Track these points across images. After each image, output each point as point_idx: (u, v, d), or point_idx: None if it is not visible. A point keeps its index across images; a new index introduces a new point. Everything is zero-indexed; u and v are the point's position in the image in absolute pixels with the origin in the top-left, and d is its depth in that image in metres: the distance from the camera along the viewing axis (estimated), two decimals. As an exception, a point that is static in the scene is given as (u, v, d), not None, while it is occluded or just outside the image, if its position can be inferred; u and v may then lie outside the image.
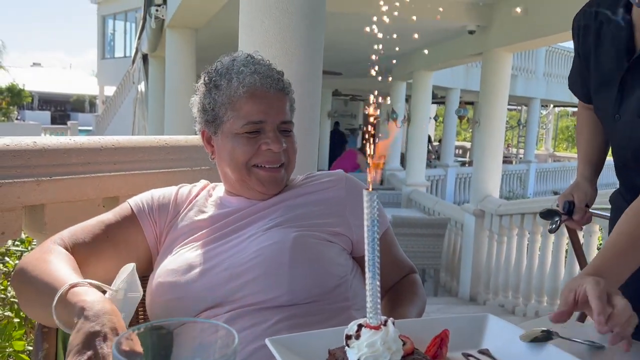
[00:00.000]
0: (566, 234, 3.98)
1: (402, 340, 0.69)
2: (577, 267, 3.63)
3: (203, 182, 1.29)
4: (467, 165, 13.32)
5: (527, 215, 4.28)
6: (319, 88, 1.90)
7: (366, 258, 0.66)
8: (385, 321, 0.68)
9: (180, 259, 1.07)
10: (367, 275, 0.66)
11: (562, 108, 21.46)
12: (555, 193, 13.50)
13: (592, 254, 3.58)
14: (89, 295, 0.85)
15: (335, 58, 8.34)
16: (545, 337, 0.76)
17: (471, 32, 5.83)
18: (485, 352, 0.77)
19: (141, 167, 1.55)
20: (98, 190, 1.44)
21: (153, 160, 1.59)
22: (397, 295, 1.18)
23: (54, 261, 0.97)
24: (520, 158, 14.97)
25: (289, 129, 1.17)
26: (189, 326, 0.62)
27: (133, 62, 11.96)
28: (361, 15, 4.93)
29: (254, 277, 1.01)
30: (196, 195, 1.22)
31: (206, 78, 1.19)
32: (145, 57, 8.52)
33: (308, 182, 1.22)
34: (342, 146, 14.75)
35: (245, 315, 0.99)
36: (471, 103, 15.03)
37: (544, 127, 18.88)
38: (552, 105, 17.01)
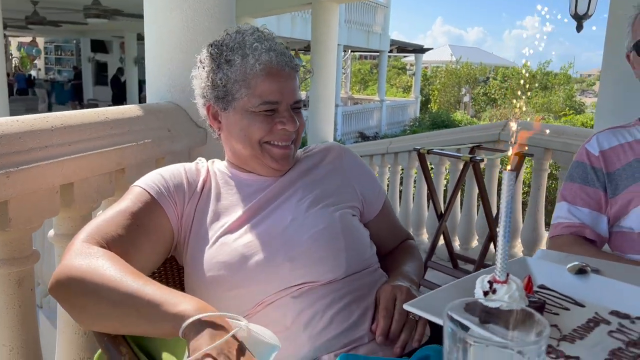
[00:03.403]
0: (413, 173, 4.54)
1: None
2: (425, 196, 4.20)
3: (202, 159, 1.26)
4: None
5: (376, 156, 4.74)
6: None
7: (501, 225, 0.79)
8: (508, 275, 0.82)
9: (229, 249, 1.06)
10: (500, 239, 0.80)
11: (353, 53, 23.18)
12: (361, 133, 14.81)
13: (440, 187, 4.15)
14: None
15: None
16: (584, 269, 0.99)
17: (300, -18, 5.97)
18: (544, 287, 0.97)
19: (92, 146, 1.41)
20: (61, 176, 1.28)
21: (100, 137, 1.45)
22: (396, 257, 1.31)
23: (118, 267, 0.89)
24: (327, 101, 15.94)
25: (299, 107, 1.20)
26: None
27: None
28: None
29: (314, 261, 1.07)
30: (207, 174, 1.20)
31: (215, 52, 1.15)
32: None
33: (308, 156, 1.28)
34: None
35: (307, 294, 1.05)
36: (293, 49, 15.36)
37: (344, 71, 20.25)
38: (350, 51, 18.26)
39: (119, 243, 0.99)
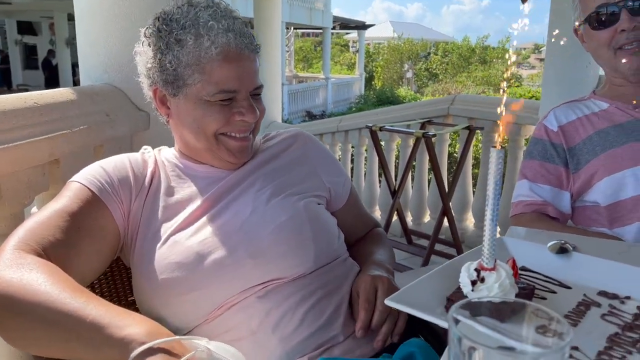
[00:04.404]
0: (364, 150, 4.49)
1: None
2: (376, 173, 4.17)
3: (148, 148, 1.13)
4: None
5: (326, 134, 4.67)
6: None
7: (489, 207, 0.72)
8: (495, 261, 0.76)
9: (182, 248, 0.95)
10: (488, 223, 0.73)
11: (295, 30, 22.88)
12: (308, 112, 14.68)
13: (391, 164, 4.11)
14: None
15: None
16: (565, 247, 0.95)
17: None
18: (526, 269, 0.92)
19: (19, 136, 1.25)
20: (-16, 171, 1.13)
21: (29, 125, 1.29)
22: (367, 246, 1.23)
23: (55, 282, 0.77)
24: (271, 80, 15.67)
25: (259, 92, 1.08)
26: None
27: None
28: None
29: (279, 256, 0.97)
30: (155, 166, 1.07)
31: (163, 28, 1.00)
32: None
33: (269, 145, 1.18)
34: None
35: (274, 292, 0.96)
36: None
37: (287, 49, 19.95)
38: (292, 28, 17.98)
39: (57, 248, 0.86)
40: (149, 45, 1.02)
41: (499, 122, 0.70)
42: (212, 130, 1.03)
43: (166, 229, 0.98)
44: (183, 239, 0.96)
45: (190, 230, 0.98)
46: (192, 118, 1.03)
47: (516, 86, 20.01)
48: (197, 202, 1.02)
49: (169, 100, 1.05)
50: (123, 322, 0.72)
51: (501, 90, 0.71)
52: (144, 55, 1.04)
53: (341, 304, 0.99)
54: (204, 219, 1.00)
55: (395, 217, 3.86)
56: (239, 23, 1.02)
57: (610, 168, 1.35)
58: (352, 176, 4.57)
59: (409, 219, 4.15)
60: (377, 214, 4.30)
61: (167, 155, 1.11)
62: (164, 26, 1.00)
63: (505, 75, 0.71)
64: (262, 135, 1.21)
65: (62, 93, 1.48)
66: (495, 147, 0.70)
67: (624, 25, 1.34)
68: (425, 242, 3.67)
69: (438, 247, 3.51)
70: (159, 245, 0.96)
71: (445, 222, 3.55)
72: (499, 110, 0.70)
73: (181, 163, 1.09)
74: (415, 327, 1.03)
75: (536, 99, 5.20)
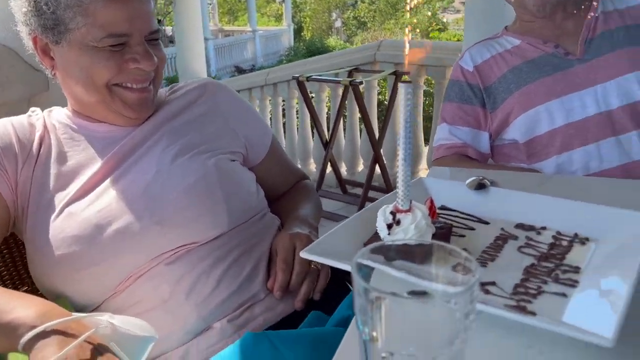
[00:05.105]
0: (295, 103, 4.40)
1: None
2: (309, 126, 4.12)
3: (36, 110, 1.02)
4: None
5: (255, 88, 4.54)
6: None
7: (401, 147, 0.69)
8: (411, 202, 0.73)
9: (79, 220, 0.86)
10: (401, 164, 0.70)
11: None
12: (237, 67, 14.27)
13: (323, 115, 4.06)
14: None
15: None
16: (483, 182, 0.94)
17: None
18: (446, 207, 0.90)
19: None
20: None
21: None
22: (291, 200, 1.18)
23: None
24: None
25: (157, 37, 0.97)
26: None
27: None
28: None
29: (189, 221, 0.90)
30: (44, 129, 0.96)
31: None
32: None
33: (176, 96, 1.08)
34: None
35: (185, 256, 0.89)
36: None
37: (210, 1, 19.13)
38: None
39: None
40: None
41: (404, 52, 0.66)
42: (104, 80, 0.92)
43: (60, 199, 0.89)
44: (79, 210, 0.87)
45: (87, 200, 0.89)
46: (79, 68, 0.92)
47: (438, 29, 20.23)
48: (95, 167, 0.93)
49: (51, 49, 0.93)
50: (9, 305, 0.65)
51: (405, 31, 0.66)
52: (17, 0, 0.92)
53: (260, 260, 0.94)
54: (104, 184, 0.91)
55: (329, 169, 3.84)
56: None
57: (525, 105, 1.35)
58: (284, 131, 4.50)
59: (343, 169, 4.14)
60: (312, 166, 4.28)
61: (59, 116, 1.00)
62: None
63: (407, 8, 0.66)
64: (169, 87, 1.11)
65: None
66: (403, 82, 0.66)
67: None
68: (359, 191, 3.69)
69: (372, 194, 3.53)
70: (53, 217, 0.87)
71: (378, 170, 3.57)
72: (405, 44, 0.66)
73: (74, 123, 0.99)
74: (344, 276, 1.00)
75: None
